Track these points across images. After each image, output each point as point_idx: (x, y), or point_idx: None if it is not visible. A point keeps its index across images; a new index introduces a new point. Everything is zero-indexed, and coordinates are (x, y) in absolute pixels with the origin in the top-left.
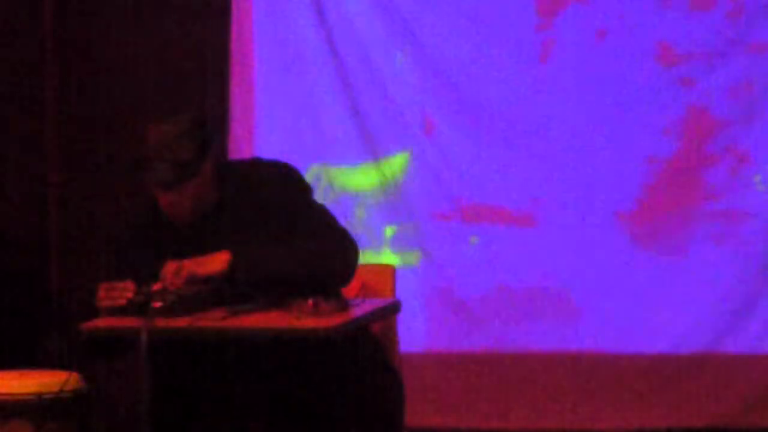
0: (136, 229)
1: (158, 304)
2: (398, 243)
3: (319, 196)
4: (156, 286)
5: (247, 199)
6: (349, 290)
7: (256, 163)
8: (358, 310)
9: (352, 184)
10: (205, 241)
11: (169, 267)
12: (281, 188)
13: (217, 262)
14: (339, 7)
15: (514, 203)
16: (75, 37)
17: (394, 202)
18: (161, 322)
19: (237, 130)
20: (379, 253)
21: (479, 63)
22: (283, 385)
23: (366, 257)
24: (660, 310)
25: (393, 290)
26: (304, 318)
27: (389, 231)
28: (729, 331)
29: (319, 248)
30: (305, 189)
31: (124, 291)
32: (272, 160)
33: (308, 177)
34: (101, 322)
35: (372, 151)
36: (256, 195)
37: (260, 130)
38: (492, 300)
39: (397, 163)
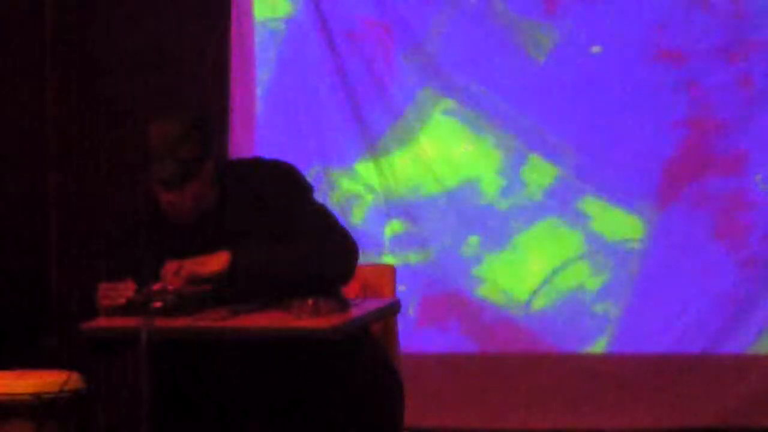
0: (137, 228)
1: (158, 304)
2: (398, 243)
3: (319, 196)
4: (156, 286)
5: (248, 198)
6: (349, 290)
7: (257, 163)
8: (358, 310)
9: (352, 184)
10: (205, 241)
11: (169, 267)
12: (282, 188)
13: (217, 261)
14: (339, 7)
15: (514, 203)
16: (75, 37)
17: (394, 202)
18: (161, 322)
19: (237, 130)
20: (379, 254)
21: (480, 62)
22: (282, 385)
23: (366, 257)
24: (660, 310)
25: (393, 290)
26: (304, 318)
27: (389, 231)
28: (729, 331)
29: (319, 248)
30: (306, 189)
31: (124, 291)
32: (273, 160)
33: (308, 177)
34: (101, 322)
35: (372, 151)
36: (257, 194)
37: (260, 130)
38: (492, 300)
39: (397, 163)
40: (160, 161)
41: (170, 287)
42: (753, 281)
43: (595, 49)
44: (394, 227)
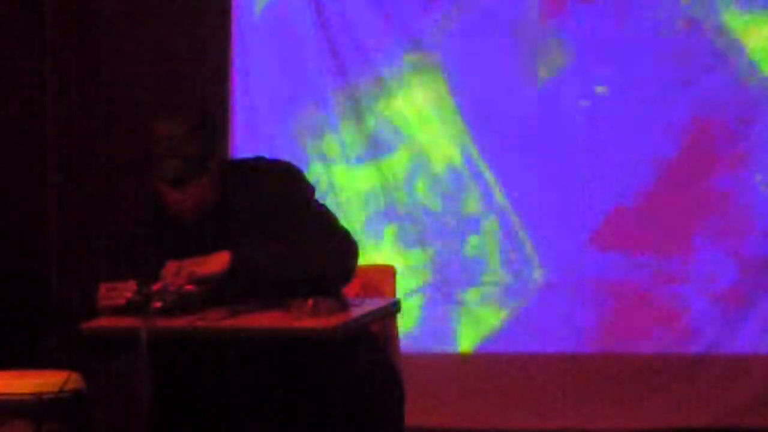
0: (139, 228)
1: (158, 304)
2: (398, 243)
3: (319, 196)
4: (156, 286)
5: (249, 198)
6: (349, 290)
7: (259, 163)
8: (358, 310)
9: (352, 184)
10: (206, 241)
11: (169, 267)
12: (283, 188)
13: (217, 262)
14: (339, 7)
15: (514, 202)
16: (75, 37)
17: (395, 202)
18: (161, 322)
19: (237, 130)
20: (379, 253)
21: (480, 63)
22: (282, 385)
23: (366, 257)
24: (660, 310)
25: (393, 290)
26: (304, 318)
27: (389, 231)
28: (729, 331)
29: (320, 248)
30: (307, 189)
31: (124, 291)
32: (275, 160)
33: (309, 177)
34: (101, 322)
35: (372, 151)
36: (258, 194)
37: (260, 130)
38: (492, 300)
39: (397, 163)
40: (164, 159)
41: (170, 287)
42: (753, 281)
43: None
44: (394, 227)
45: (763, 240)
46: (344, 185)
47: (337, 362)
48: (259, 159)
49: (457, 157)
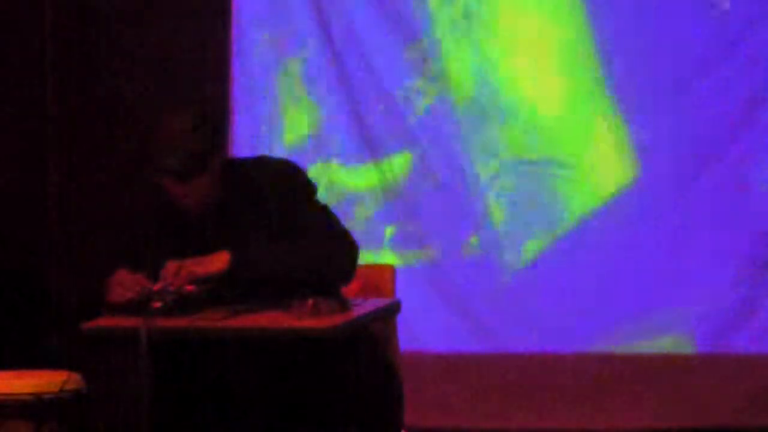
0: (139, 227)
1: (158, 304)
2: (398, 243)
3: (319, 196)
4: (156, 286)
5: (251, 197)
6: (349, 290)
7: (261, 162)
8: (358, 310)
9: (352, 184)
10: (207, 240)
11: (169, 267)
12: (285, 187)
13: (217, 261)
14: (339, 6)
15: (511, 201)
16: (75, 37)
17: (394, 202)
18: (161, 322)
19: (237, 129)
20: (379, 253)
21: (479, 62)
22: (282, 385)
23: (366, 257)
24: (660, 309)
25: (393, 290)
26: (304, 318)
27: (389, 231)
28: (729, 330)
29: (320, 248)
30: (308, 188)
31: (134, 285)
32: (278, 159)
33: (309, 176)
34: (101, 322)
35: (372, 151)
36: (260, 194)
37: (260, 130)
38: (492, 300)
39: (397, 163)
40: (169, 154)
41: (170, 287)
42: (753, 281)
43: None
44: (394, 227)
45: (763, 240)
46: (344, 185)
47: (337, 362)
48: (261, 158)
49: (458, 155)
